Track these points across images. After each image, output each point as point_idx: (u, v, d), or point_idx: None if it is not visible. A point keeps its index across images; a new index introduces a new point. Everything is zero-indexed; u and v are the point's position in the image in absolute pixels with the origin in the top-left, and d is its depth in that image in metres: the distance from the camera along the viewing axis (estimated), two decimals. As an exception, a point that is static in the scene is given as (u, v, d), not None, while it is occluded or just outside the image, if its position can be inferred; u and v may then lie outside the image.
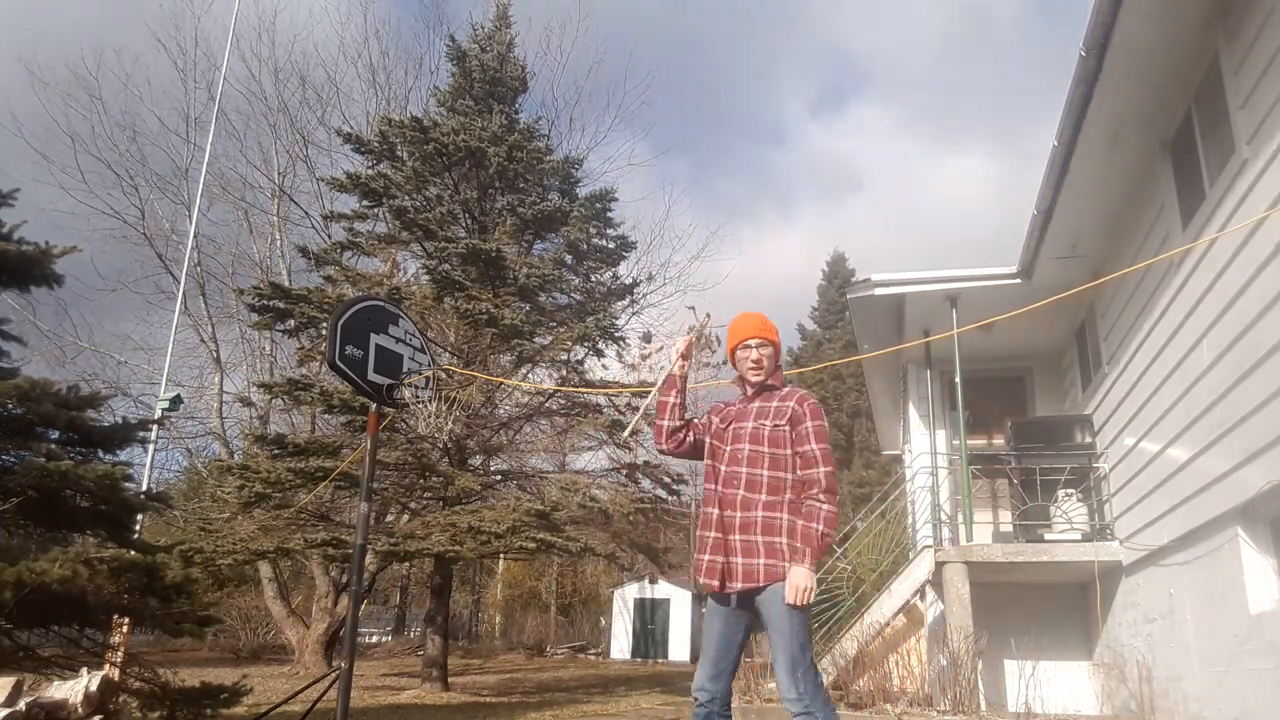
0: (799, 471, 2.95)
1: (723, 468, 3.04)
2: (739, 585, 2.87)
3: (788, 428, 3.00)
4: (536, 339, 14.08)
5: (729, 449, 3.06)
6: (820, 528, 2.84)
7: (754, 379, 3.13)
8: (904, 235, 67.14)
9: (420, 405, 11.99)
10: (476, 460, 14.72)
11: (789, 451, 2.98)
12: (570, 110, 28.29)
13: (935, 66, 77.58)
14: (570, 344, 13.96)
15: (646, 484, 15.19)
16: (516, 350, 13.91)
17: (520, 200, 15.03)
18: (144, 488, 9.78)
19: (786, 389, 3.16)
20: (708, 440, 3.16)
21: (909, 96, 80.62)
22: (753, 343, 3.15)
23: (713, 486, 3.04)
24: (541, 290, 14.41)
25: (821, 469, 2.92)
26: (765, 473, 2.96)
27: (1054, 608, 8.42)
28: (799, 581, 2.77)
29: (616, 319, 15.34)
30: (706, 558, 2.94)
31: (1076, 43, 5.45)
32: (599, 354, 15.16)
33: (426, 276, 14.09)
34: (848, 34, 79.21)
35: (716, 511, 2.97)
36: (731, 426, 3.10)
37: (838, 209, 76.08)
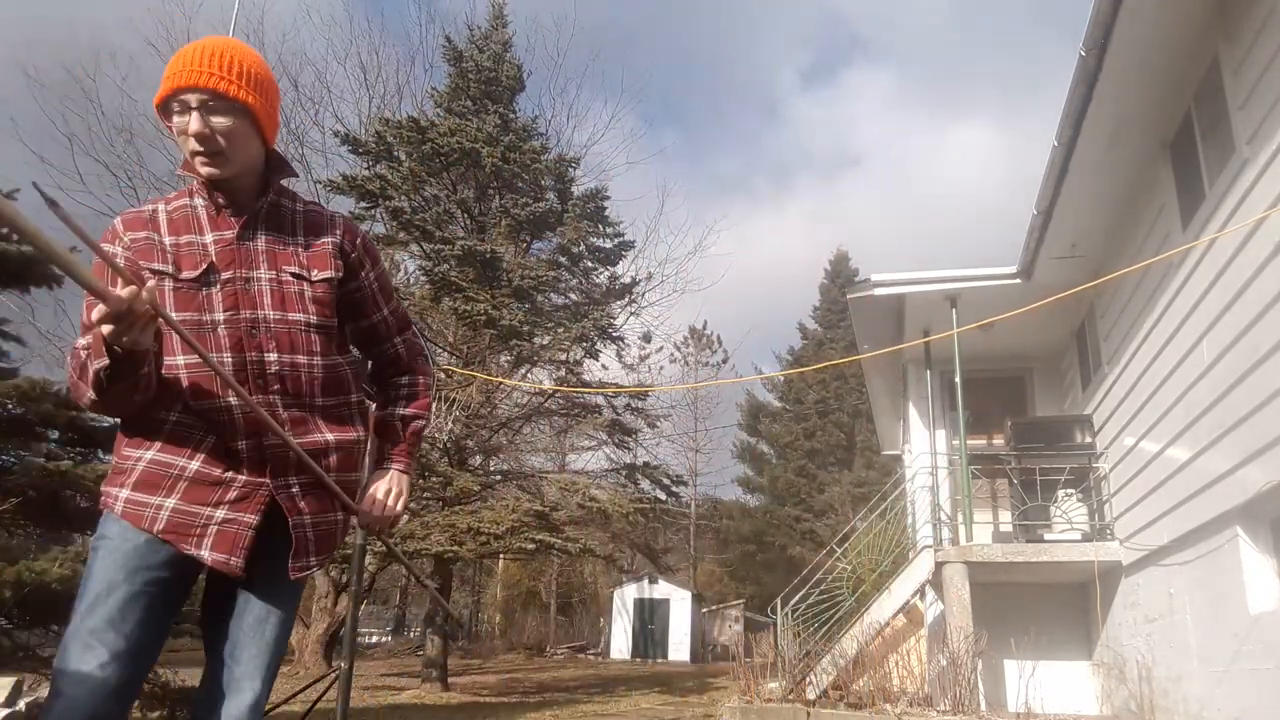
0: (379, 347, 1.91)
1: (238, 356, 1.67)
2: (313, 560, 1.74)
3: (335, 279, 1.77)
4: (535, 339, 14.11)
5: (226, 320, 1.67)
6: (422, 417, 1.92)
7: (207, 171, 1.66)
8: (905, 219, 67.24)
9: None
10: (475, 460, 14.73)
11: (334, 320, 1.79)
12: (567, 109, 28.33)
13: (940, 35, 77.29)
14: (568, 344, 13.98)
15: (645, 485, 15.21)
16: (515, 351, 13.93)
17: (514, 201, 15.06)
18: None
19: (315, 208, 1.85)
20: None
21: (910, 66, 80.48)
22: (190, 99, 1.61)
23: (228, 404, 1.66)
24: (537, 291, 14.44)
25: (414, 335, 1.94)
26: (320, 363, 1.74)
27: (1054, 608, 8.41)
28: (396, 485, 1.84)
29: (614, 319, 15.38)
30: (244, 517, 1.66)
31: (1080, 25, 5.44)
32: (594, 355, 15.19)
33: (424, 278, 14.12)
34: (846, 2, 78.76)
35: (246, 442, 1.67)
36: (231, 276, 1.68)
37: (837, 191, 75.99)
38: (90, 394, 1.56)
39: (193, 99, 1.61)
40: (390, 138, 14.60)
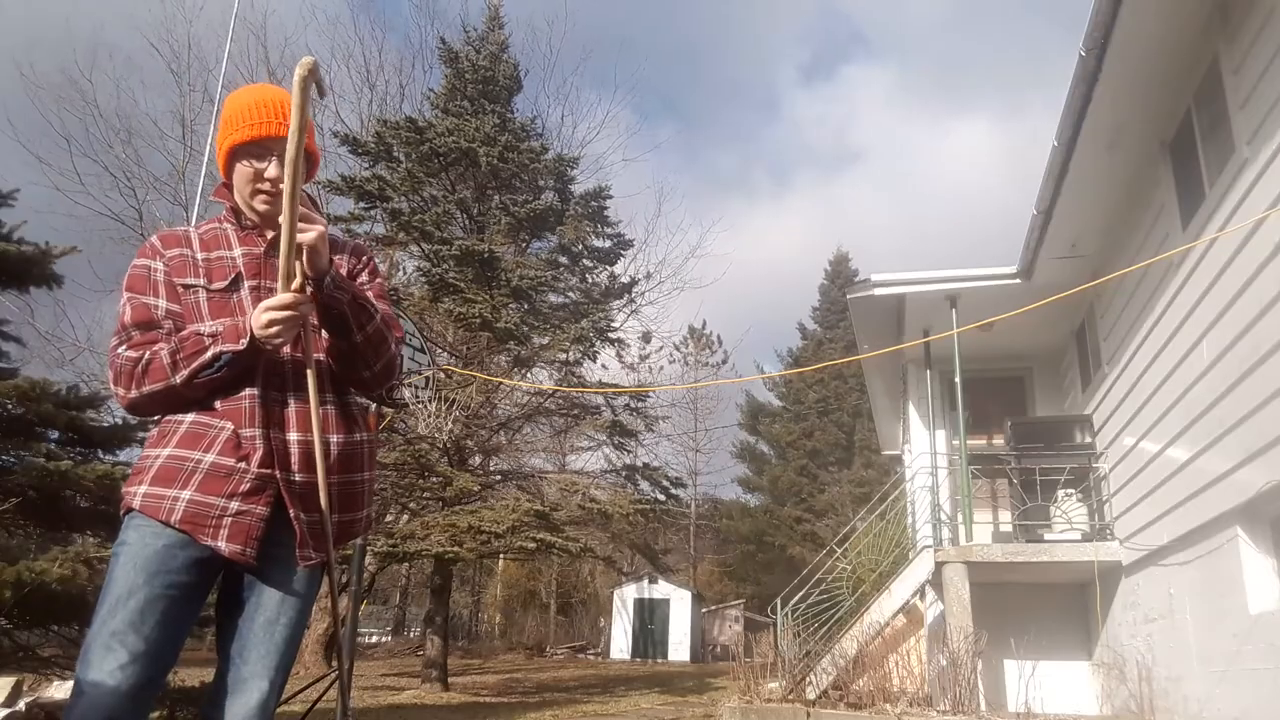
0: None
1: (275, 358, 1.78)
2: (312, 553, 1.77)
3: None
4: (534, 339, 14.12)
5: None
6: (376, 308, 1.85)
7: (265, 209, 1.85)
8: (906, 217, 67.23)
9: (420, 405, 12.05)
10: (475, 460, 14.73)
11: None
12: (562, 107, 28.28)
13: (941, 32, 77.08)
14: (567, 345, 13.99)
15: (645, 486, 15.21)
16: (513, 352, 13.94)
17: (513, 200, 15.07)
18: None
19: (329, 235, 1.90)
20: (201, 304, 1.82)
21: (911, 63, 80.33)
22: (276, 147, 1.80)
23: (253, 391, 1.74)
24: (535, 291, 14.44)
25: (400, 331, 1.95)
26: (327, 360, 1.87)
27: (1054, 608, 8.41)
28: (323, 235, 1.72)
29: (612, 320, 15.38)
30: (255, 508, 1.71)
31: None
32: (593, 357, 15.19)
33: (422, 279, 14.13)
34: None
35: (259, 432, 1.73)
36: (256, 285, 1.83)
37: (837, 189, 75.91)
38: (177, 379, 1.69)
39: (277, 147, 1.79)
40: (389, 138, 14.60)
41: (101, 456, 5.78)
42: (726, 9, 74.87)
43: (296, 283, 1.67)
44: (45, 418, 5.34)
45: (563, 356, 14.41)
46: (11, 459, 5.32)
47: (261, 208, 1.85)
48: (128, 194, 18.26)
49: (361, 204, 14.71)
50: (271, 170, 1.81)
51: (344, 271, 1.89)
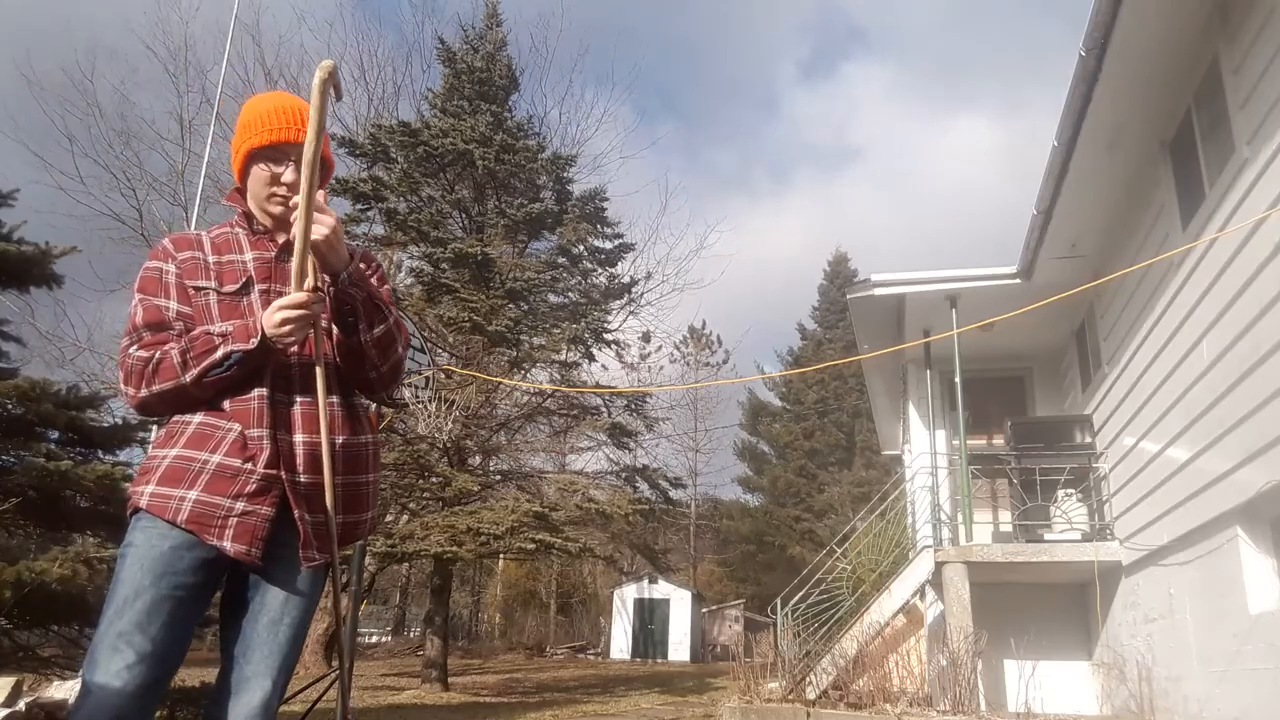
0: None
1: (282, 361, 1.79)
2: (315, 554, 1.78)
3: None
4: (534, 339, 14.13)
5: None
6: (390, 313, 1.87)
7: (279, 211, 1.86)
8: (906, 216, 67.25)
9: (420, 405, 12.05)
10: (475, 460, 14.73)
11: None
12: (559, 104, 28.16)
13: (941, 29, 77.00)
14: (562, 346, 14.00)
15: (644, 488, 15.21)
16: (508, 354, 13.95)
17: (509, 202, 15.08)
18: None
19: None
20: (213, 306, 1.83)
21: (910, 60, 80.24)
22: (293, 153, 1.82)
23: (261, 391, 1.75)
24: (530, 293, 14.44)
25: (406, 335, 1.95)
26: (335, 361, 1.89)
27: (1054, 608, 8.41)
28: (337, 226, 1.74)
29: (608, 321, 15.37)
30: (260, 509, 1.72)
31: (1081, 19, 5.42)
32: (590, 358, 15.18)
33: (416, 281, 14.15)
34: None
35: (266, 432, 1.74)
36: (266, 288, 1.85)
37: (836, 189, 75.82)
38: (186, 378, 1.70)
39: (294, 153, 1.81)
40: (385, 140, 14.61)
41: (101, 456, 5.79)
42: (725, 6, 74.91)
43: (309, 282, 1.69)
44: (45, 418, 5.35)
45: (558, 358, 14.41)
46: (11, 459, 5.32)
47: (275, 209, 1.86)
48: (128, 194, 18.27)
49: (358, 206, 14.71)
50: (288, 175, 1.83)
51: None
